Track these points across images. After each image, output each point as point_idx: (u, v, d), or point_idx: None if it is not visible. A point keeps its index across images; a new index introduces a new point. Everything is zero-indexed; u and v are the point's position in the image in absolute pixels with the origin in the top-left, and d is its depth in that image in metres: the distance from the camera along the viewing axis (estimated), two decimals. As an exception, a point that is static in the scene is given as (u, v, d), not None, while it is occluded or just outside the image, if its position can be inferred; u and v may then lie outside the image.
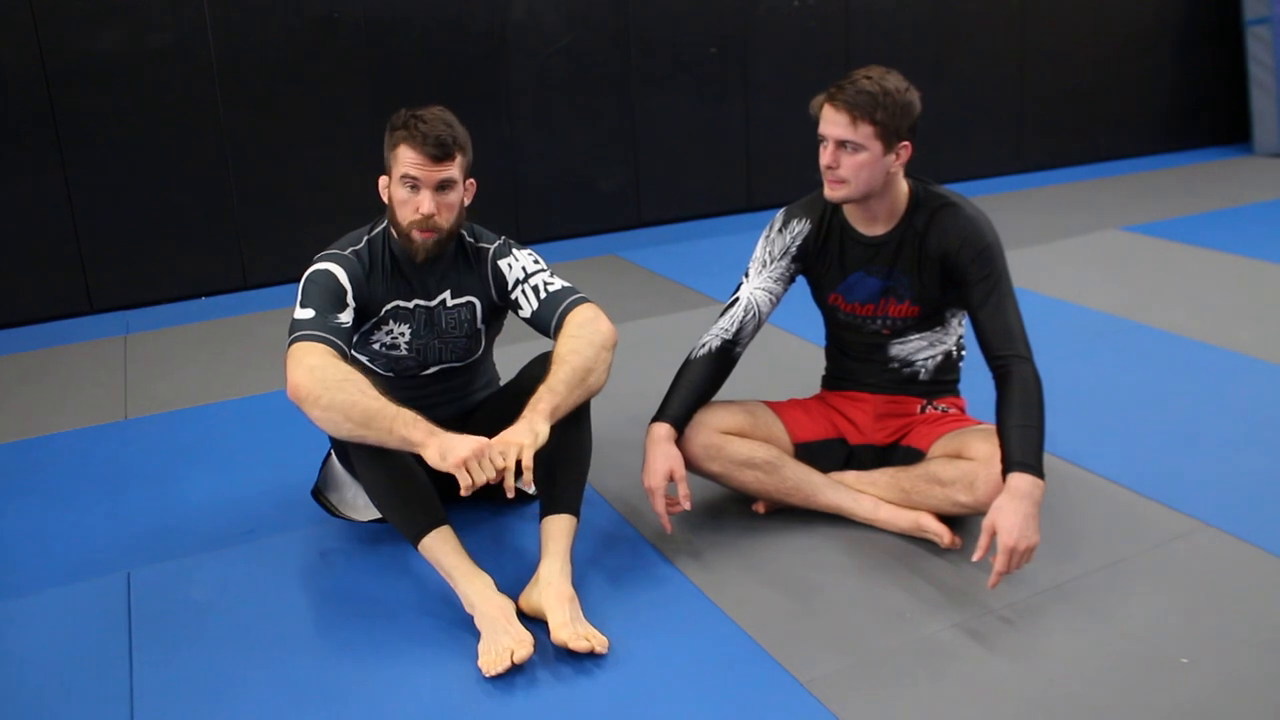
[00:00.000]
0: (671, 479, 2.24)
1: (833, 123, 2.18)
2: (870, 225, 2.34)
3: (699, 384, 2.36)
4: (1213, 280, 4.27)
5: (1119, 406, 3.02)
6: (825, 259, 2.40)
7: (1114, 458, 2.69)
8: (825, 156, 2.21)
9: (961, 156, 6.35)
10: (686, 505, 2.25)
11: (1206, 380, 3.19)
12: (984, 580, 2.13)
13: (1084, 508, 2.46)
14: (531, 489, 2.48)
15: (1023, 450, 2.08)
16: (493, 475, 1.97)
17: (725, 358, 2.38)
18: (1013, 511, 2.01)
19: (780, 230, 2.41)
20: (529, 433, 2.03)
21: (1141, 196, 5.93)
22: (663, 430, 2.29)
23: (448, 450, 1.96)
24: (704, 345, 2.38)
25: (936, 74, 6.10)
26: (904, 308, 2.36)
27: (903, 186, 2.31)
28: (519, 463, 1.99)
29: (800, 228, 2.39)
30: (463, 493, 1.96)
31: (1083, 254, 4.76)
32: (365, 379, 2.04)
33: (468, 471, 1.95)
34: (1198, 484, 2.54)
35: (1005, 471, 2.08)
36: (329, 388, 1.99)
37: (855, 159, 2.18)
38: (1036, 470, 2.06)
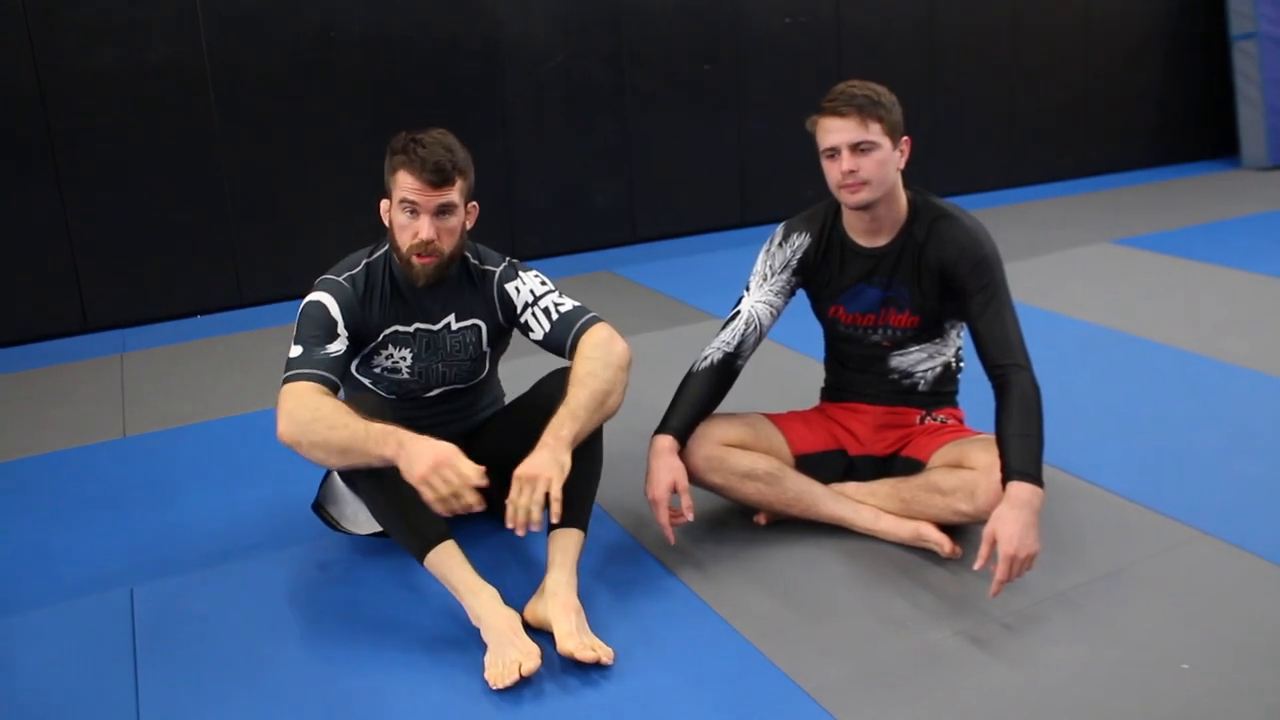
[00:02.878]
0: (674, 490, 2.25)
1: (842, 130, 2.22)
2: (872, 237, 2.36)
3: (701, 397, 2.37)
4: (1203, 292, 4.30)
5: (1113, 417, 3.04)
6: (825, 272, 2.42)
7: (1110, 468, 2.71)
8: (844, 164, 2.22)
9: (953, 171, 6.38)
10: (689, 516, 2.26)
11: (1199, 391, 3.22)
12: (985, 588, 2.15)
13: (1083, 517, 2.48)
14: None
15: (1022, 459, 2.10)
16: (454, 486, 1.92)
17: (727, 370, 2.40)
18: (1013, 520, 2.03)
19: (780, 244, 2.43)
20: (554, 465, 2.02)
21: (1131, 210, 5.98)
22: (665, 442, 2.30)
23: (410, 464, 1.94)
24: (705, 358, 2.40)
25: (928, 90, 6.15)
26: (904, 318, 2.38)
27: (902, 196, 2.34)
28: (547, 494, 1.99)
29: (800, 241, 2.42)
30: (441, 512, 1.95)
31: (1073, 267, 4.79)
32: (336, 409, 2.03)
33: (430, 486, 1.92)
34: (1194, 493, 2.57)
35: (1005, 480, 2.09)
36: (304, 430, 2.00)
37: (873, 158, 2.22)
38: (1036, 479, 2.08)
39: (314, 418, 2.02)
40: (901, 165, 2.29)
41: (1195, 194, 6.35)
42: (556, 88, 5.25)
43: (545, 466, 2.01)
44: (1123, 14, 6.81)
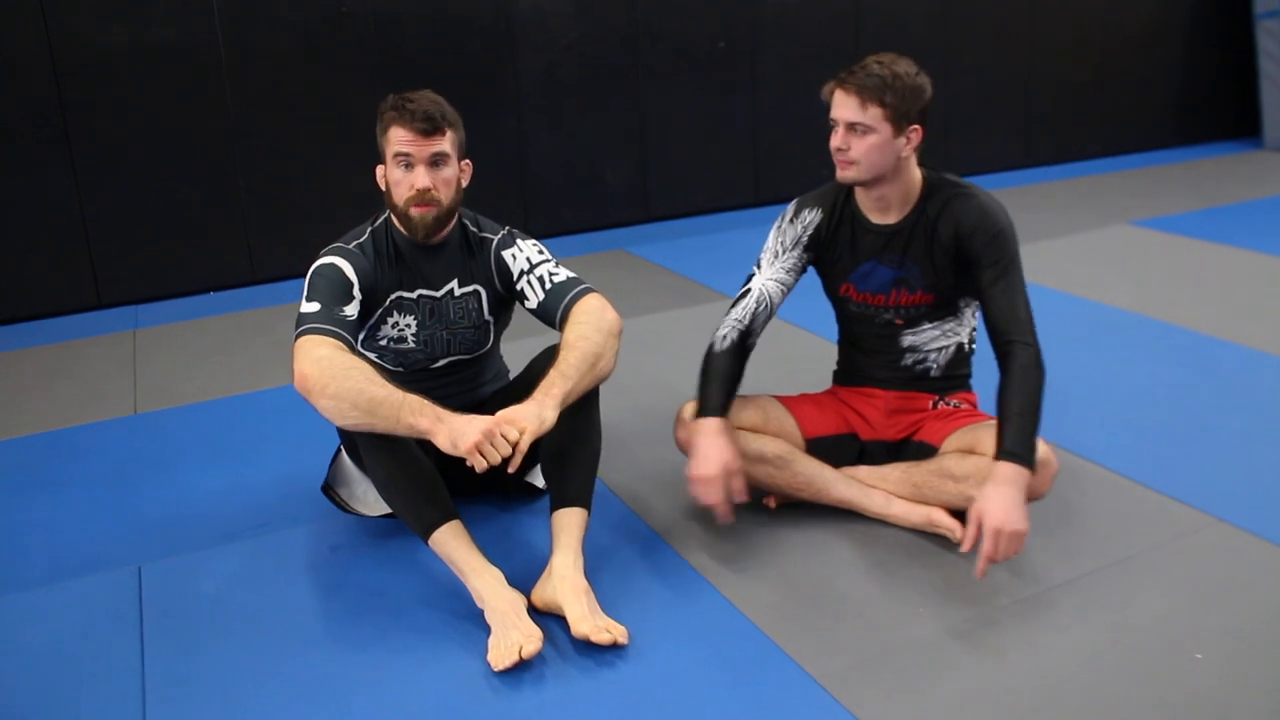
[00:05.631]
0: (727, 472, 2.21)
1: (843, 106, 2.20)
2: (883, 214, 2.33)
3: (729, 374, 2.34)
4: (1223, 275, 4.25)
5: (1130, 401, 3.01)
6: (836, 249, 2.39)
7: (1126, 452, 2.68)
8: (835, 139, 2.22)
9: (971, 151, 6.33)
10: (743, 498, 2.23)
11: (1218, 375, 3.18)
12: (999, 575, 2.13)
13: (1096, 503, 2.45)
14: (541, 482, 2.48)
15: (1014, 439, 2.08)
16: (506, 452, 1.97)
17: (742, 348, 2.37)
18: (998, 498, 2.02)
19: (792, 220, 2.41)
20: (535, 418, 2.02)
21: (1151, 191, 5.91)
22: (714, 424, 2.25)
23: (458, 436, 1.96)
24: (724, 337, 2.37)
25: (946, 69, 6.08)
26: (916, 296, 2.35)
27: (916, 174, 2.31)
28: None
29: (811, 218, 2.39)
30: (478, 470, 1.96)
31: (1092, 249, 4.74)
32: (371, 369, 2.04)
33: (481, 454, 1.95)
34: (1210, 479, 2.53)
35: (996, 457, 2.08)
36: (336, 376, 2.00)
37: (865, 141, 2.19)
38: (1025, 460, 2.06)
39: (351, 366, 2.02)
40: (906, 153, 2.23)
41: (1216, 175, 6.28)
42: (570, 65, 5.21)
43: (525, 417, 2.01)
44: (1145, -9, 6.73)
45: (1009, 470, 2.04)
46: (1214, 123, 7.24)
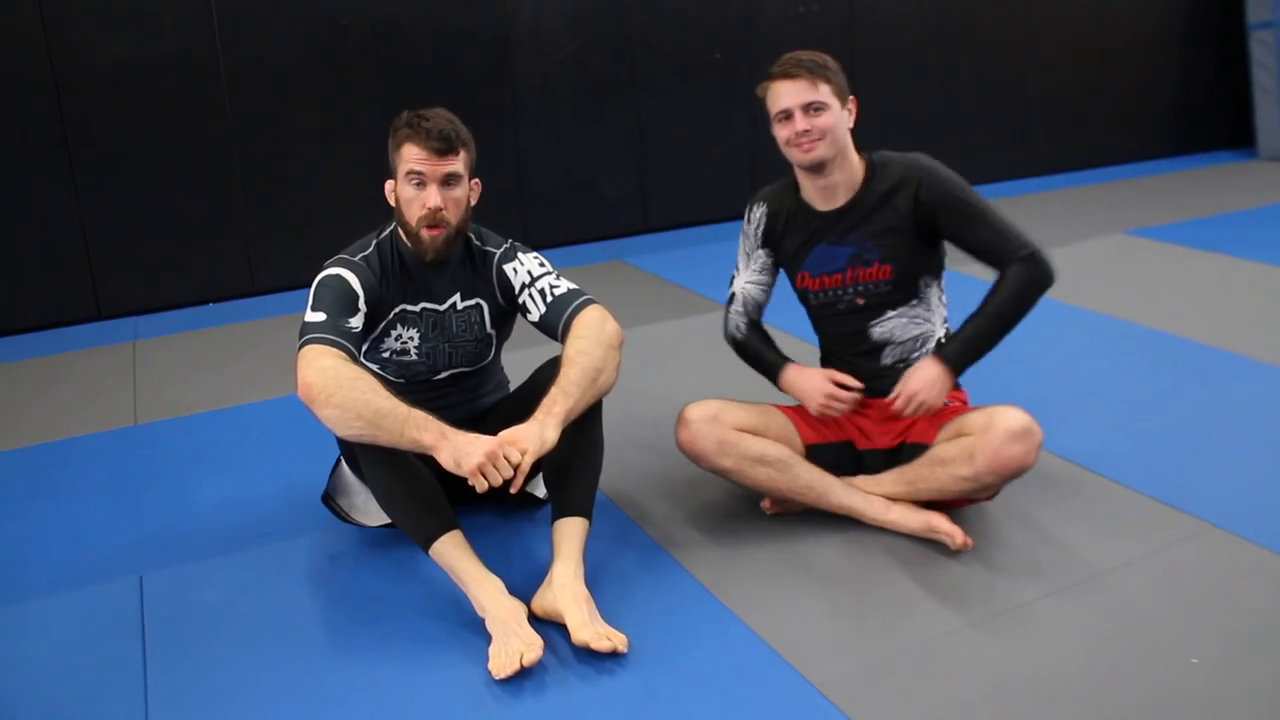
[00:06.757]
0: (830, 379, 2.38)
1: (794, 92, 2.29)
2: (829, 200, 2.40)
3: (765, 339, 2.51)
4: (1218, 284, 4.27)
5: (1127, 409, 3.02)
6: (788, 241, 2.47)
7: (1122, 460, 2.69)
8: (797, 124, 2.29)
9: (967, 161, 6.29)
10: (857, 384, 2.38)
11: (1214, 383, 3.20)
12: (997, 580, 2.15)
13: (1093, 509, 2.47)
14: (541, 493, 2.50)
15: (960, 353, 2.29)
16: (509, 473, 1.99)
17: (757, 323, 2.52)
18: (927, 371, 2.27)
19: (748, 221, 2.51)
20: (537, 438, 2.04)
21: (1146, 201, 5.94)
22: (795, 368, 2.43)
23: (461, 456, 1.98)
24: (736, 327, 2.52)
25: (942, 79, 6.11)
26: (873, 270, 2.39)
27: (855, 158, 2.38)
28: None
29: (759, 214, 2.49)
30: (479, 490, 1.98)
31: (1088, 258, 4.76)
32: (376, 380, 2.05)
33: (483, 475, 1.97)
34: (1206, 486, 2.55)
35: (937, 352, 2.31)
36: (341, 386, 2.01)
37: (824, 117, 2.29)
38: (957, 369, 2.30)
39: (357, 376, 2.03)
40: (850, 124, 2.35)
41: (1211, 185, 6.30)
42: (568, 76, 5.24)
43: (526, 438, 2.03)
44: (1138, 2, 6.75)
45: (940, 366, 2.28)
46: (1209, 132, 7.27)
